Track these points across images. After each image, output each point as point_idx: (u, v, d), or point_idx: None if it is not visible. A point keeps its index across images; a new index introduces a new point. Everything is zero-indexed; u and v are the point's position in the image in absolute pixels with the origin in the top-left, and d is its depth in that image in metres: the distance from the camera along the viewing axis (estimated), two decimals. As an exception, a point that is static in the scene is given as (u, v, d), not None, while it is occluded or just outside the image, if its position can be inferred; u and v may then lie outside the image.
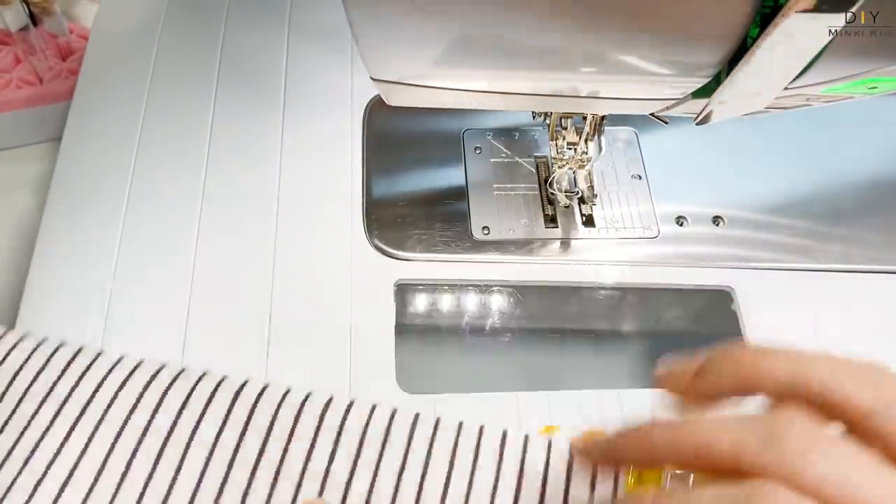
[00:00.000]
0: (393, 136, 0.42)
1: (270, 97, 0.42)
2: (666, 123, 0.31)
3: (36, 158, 0.44)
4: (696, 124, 0.27)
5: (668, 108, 0.27)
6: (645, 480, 0.26)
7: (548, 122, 0.38)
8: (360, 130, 0.41)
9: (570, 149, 0.38)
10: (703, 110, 0.26)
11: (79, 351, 0.29)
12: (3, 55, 0.45)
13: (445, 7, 0.21)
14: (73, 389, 0.27)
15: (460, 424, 0.27)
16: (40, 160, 0.44)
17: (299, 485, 0.26)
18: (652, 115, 0.29)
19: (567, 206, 0.37)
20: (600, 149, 0.38)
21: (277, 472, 0.26)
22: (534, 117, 0.39)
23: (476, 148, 0.42)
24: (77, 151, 0.39)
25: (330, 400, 0.27)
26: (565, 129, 0.37)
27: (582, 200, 0.39)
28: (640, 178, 0.41)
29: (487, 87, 0.25)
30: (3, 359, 0.28)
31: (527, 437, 0.26)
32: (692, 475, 0.27)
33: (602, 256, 0.38)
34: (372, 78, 0.25)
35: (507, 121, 0.43)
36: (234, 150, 0.40)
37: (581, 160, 0.38)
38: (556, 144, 0.38)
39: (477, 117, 0.43)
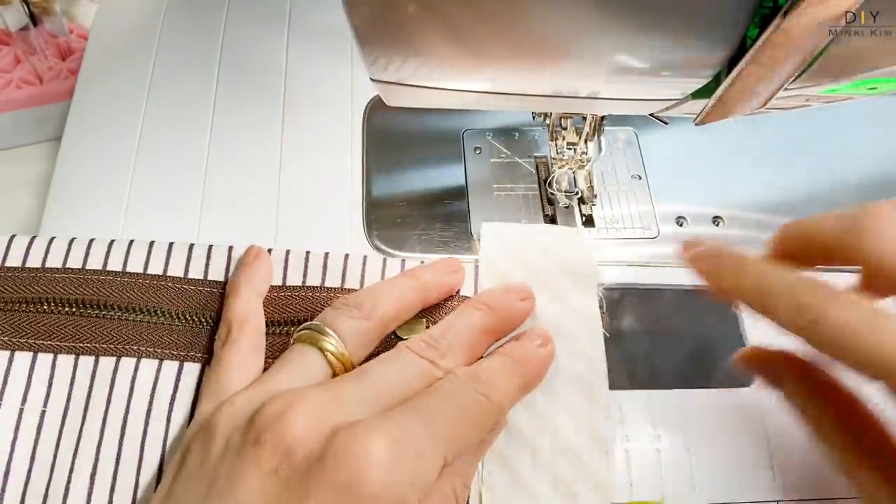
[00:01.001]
0: (393, 136, 0.42)
1: (270, 97, 0.42)
2: (666, 123, 0.31)
3: (36, 158, 0.44)
4: (696, 124, 0.27)
5: (668, 108, 0.27)
6: None
7: (548, 122, 0.38)
8: (360, 130, 0.41)
9: (570, 149, 0.38)
10: (703, 110, 0.26)
11: None
12: (3, 55, 0.45)
13: (445, 7, 0.21)
14: None
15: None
16: (40, 160, 0.44)
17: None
18: (652, 115, 0.29)
19: (567, 207, 0.37)
20: (600, 149, 0.38)
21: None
22: (534, 117, 0.39)
23: (476, 148, 0.42)
24: (77, 151, 0.39)
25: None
26: (565, 129, 0.37)
27: (582, 201, 0.39)
28: (640, 178, 0.41)
29: (487, 87, 0.25)
30: None
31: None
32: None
33: (602, 256, 0.38)
34: (372, 78, 0.25)
35: (507, 121, 0.43)
36: (234, 151, 0.40)
37: (581, 160, 0.38)
38: (556, 145, 0.38)
39: (477, 117, 0.43)
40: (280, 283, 0.33)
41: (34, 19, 0.44)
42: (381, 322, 0.30)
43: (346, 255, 0.34)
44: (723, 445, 0.32)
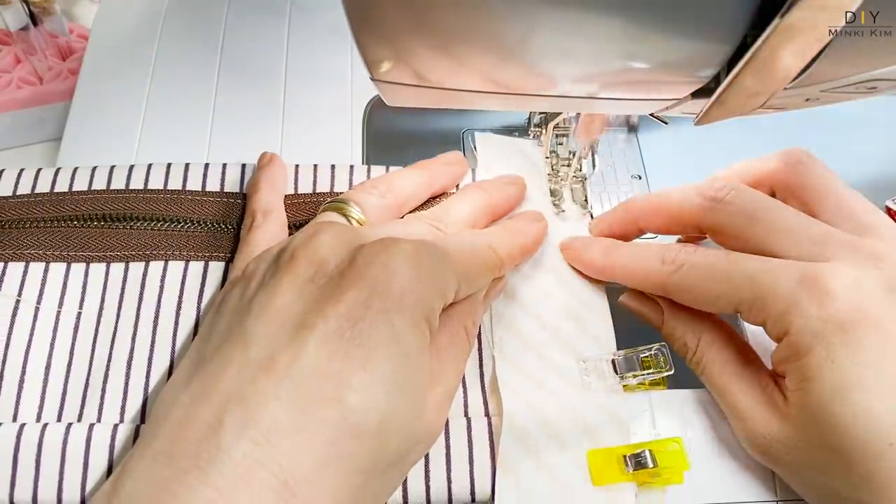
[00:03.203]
0: (393, 136, 0.42)
1: (271, 98, 0.42)
2: (666, 124, 0.31)
3: (36, 158, 0.44)
4: (696, 124, 0.27)
5: (668, 108, 0.27)
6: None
7: (541, 140, 0.38)
8: (360, 130, 0.41)
9: (565, 164, 0.38)
10: (702, 110, 0.25)
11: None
12: (3, 55, 0.45)
13: (445, 7, 0.21)
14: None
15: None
16: (40, 160, 0.44)
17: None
18: (652, 115, 0.29)
19: (563, 211, 0.37)
20: (594, 165, 0.38)
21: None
22: (531, 136, 0.40)
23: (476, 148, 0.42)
24: (77, 151, 0.39)
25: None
26: (560, 143, 0.38)
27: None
28: (640, 178, 0.41)
29: (487, 87, 0.25)
30: None
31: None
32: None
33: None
34: (372, 78, 0.25)
35: (507, 121, 0.43)
36: (234, 151, 0.40)
37: (576, 176, 0.38)
38: (551, 163, 0.38)
39: (477, 117, 0.43)
40: (293, 193, 0.36)
41: (34, 19, 0.44)
42: (396, 201, 0.33)
43: (352, 166, 0.37)
44: (723, 445, 0.32)
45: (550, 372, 0.32)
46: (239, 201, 0.35)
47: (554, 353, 0.32)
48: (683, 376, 0.32)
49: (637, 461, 0.29)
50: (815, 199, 0.31)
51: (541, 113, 0.39)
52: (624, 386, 0.32)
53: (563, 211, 0.37)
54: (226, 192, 0.36)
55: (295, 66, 0.43)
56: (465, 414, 0.31)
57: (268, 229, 0.32)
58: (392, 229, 0.30)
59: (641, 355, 0.31)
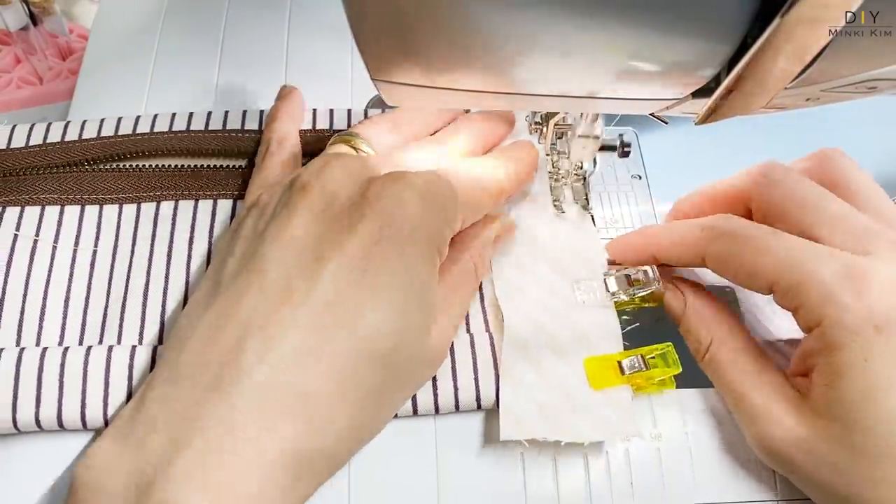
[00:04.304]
0: (393, 136, 0.42)
1: (271, 98, 0.42)
2: (666, 123, 0.31)
3: (36, 158, 0.44)
4: (696, 124, 0.27)
5: (668, 108, 0.27)
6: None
7: (542, 139, 0.38)
8: (360, 130, 0.41)
9: (566, 157, 0.38)
10: (702, 110, 0.25)
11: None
12: (3, 55, 0.45)
13: (445, 7, 0.21)
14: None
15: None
16: (40, 160, 0.44)
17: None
18: (652, 115, 0.29)
19: (563, 212, 0.37)
20: (595, 163, 0.38)
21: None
22: (530, 133, 0.39)
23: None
24: (77, 151, 0.39)
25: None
26: (560, 137, 0.38)
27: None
28: (640, 178, 0.41)
29: (487, 87, 0.25)
30: None
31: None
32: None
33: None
34: (372, 78, 0.25)
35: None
36: (234, 150, 0.40)
37: (577, 173, 0.38)
38: (552, 160, 0.38)
39: (477, 117, 0.43)
40: (309, 128, 0.38)
41: (34, 19, 0.44)
42: (402, 136, 0.35)
43: (349, 110, 0.39)
44: (723, 445, 0.32)
45: (546, 293, 0.34)
46: (239, 137, 0.37)
47: (549, 277, 0.35)
48: (684, 377, 0.32)
49: (631, 365, 0.32)
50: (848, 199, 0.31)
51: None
52: (616, 303, 0.34)
53: (564, 212, 0.37)
54: (227, 129, 0.38)
55: (295, 66, 0.43)
56: (468, 331, 0.33)
57: (282, 157, 0.34)
58: (398, 158, 0.31)
59: (631, 275, 0.34)
